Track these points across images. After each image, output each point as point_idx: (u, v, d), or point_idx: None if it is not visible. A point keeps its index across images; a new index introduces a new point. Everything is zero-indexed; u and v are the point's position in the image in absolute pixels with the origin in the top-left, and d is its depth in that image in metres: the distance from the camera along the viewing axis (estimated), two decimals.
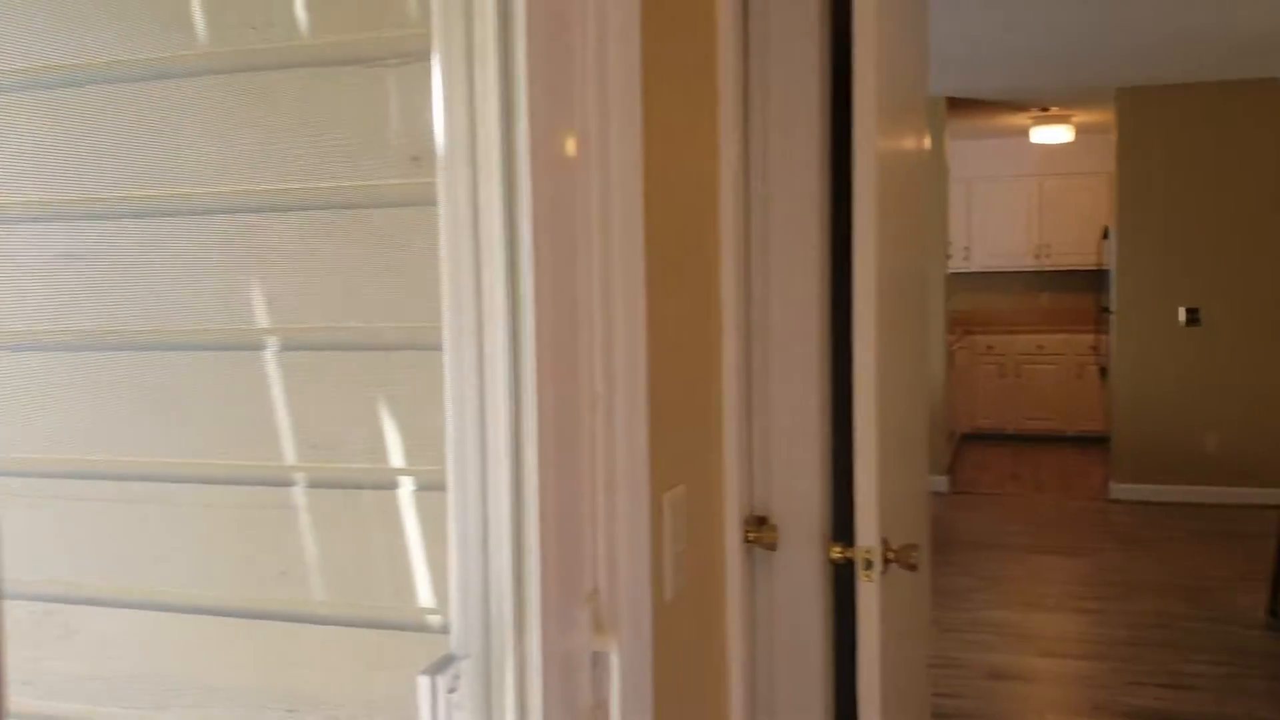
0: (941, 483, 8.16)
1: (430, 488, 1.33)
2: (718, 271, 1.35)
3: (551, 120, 0.94)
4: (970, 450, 9.68)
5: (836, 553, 1.93)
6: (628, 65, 1.03)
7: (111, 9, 1.34)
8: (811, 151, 1.95)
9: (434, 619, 1.33)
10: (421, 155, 1.28)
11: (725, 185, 1.35)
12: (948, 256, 9.14)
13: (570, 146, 0.96)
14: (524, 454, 0.93)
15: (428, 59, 1.28)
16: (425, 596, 1.32)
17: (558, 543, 0.94)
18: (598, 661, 1.02)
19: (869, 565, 1.79)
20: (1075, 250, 10.11)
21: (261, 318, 1.33)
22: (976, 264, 10.37)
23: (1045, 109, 8.45)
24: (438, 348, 1.30)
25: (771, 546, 1.94)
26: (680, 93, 1.25)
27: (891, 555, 1.85)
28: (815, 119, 1.95)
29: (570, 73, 0.97)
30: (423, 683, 0.95)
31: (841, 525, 1.98)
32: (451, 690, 0.95)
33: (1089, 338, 9.82)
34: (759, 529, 1.92)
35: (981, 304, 10.62)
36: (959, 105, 8.13)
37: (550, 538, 0.93)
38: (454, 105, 0.97)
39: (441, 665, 0.97)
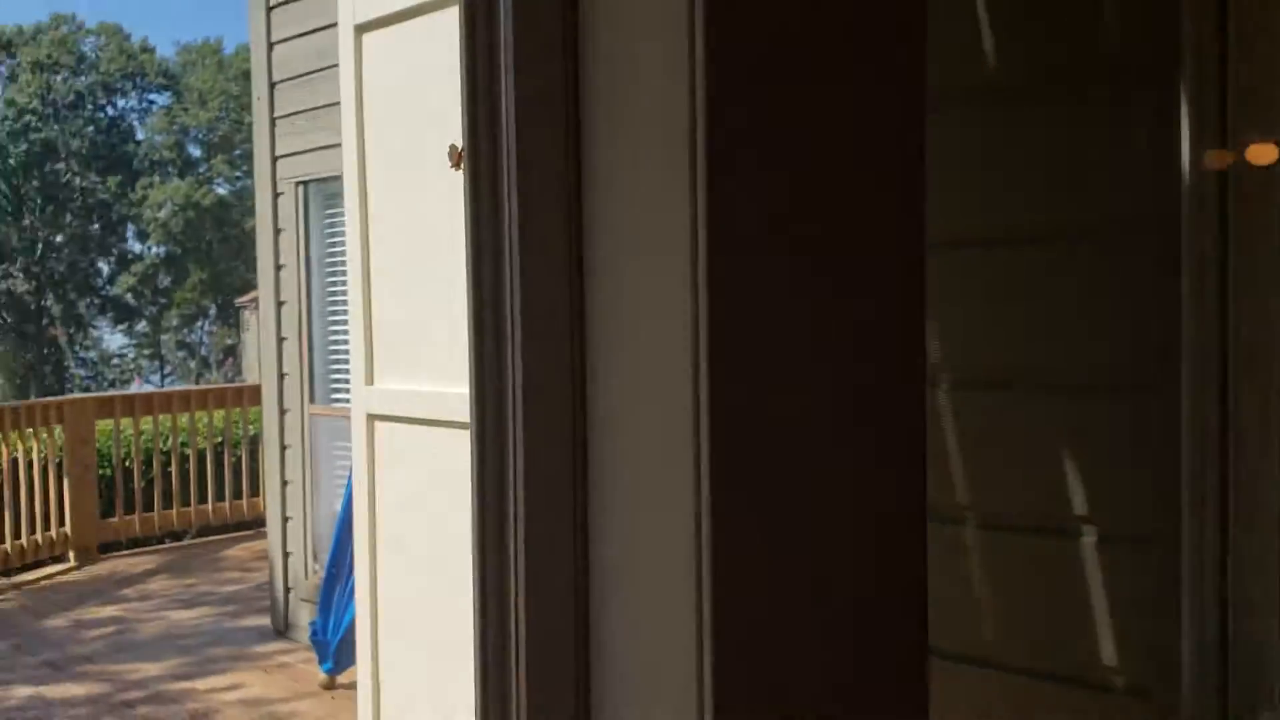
0: None
1: (1115, 539, 1.24)
2: None
3: None
4: None
5: None
6: None
7: None
8: None
9: (1118, 679, 1.24)
10: (1142, 183, 1.18)
11: None
12: None
13: None
14: None
15: (1149, 84, 1.19)
16: (1108, 654, 1.23)
17: None
18: None
19: None
20: None
21: (935, 354, 1.33)
22: None
23: None
24: (1133, 388, 1.20)
25: None
26: None
27: None
28: None
29: None
30: None
31: None
32: None
33: None
34: None
35: None
36: None
37: None
38: None
39: None
